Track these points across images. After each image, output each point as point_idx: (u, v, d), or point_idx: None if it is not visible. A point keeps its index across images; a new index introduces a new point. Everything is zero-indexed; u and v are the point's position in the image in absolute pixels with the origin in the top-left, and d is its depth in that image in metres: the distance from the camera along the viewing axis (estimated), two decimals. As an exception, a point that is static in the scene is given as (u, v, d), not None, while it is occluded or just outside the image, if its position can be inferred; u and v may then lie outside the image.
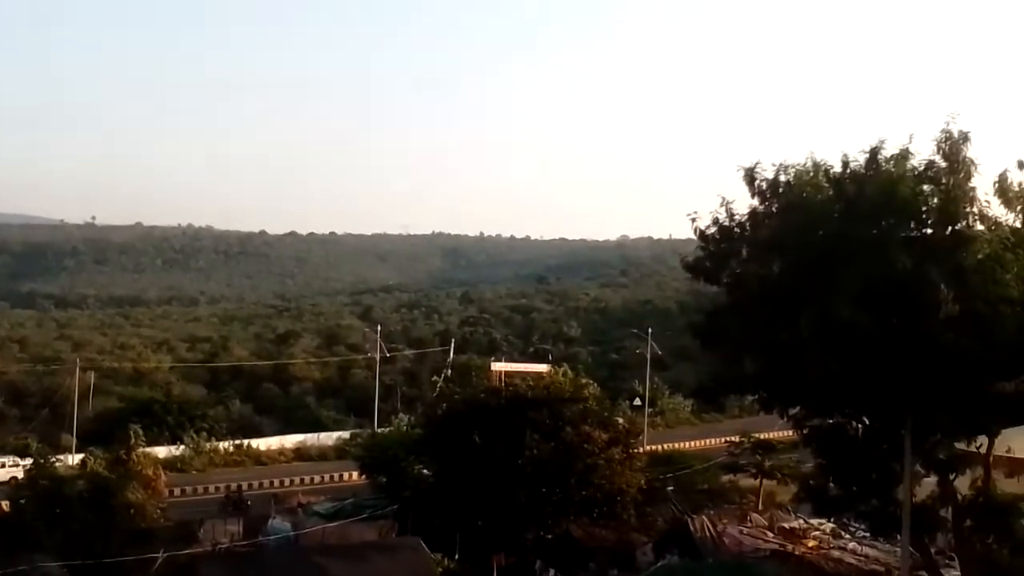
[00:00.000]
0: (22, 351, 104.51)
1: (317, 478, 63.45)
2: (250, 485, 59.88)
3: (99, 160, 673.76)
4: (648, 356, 78.97)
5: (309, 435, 77.23)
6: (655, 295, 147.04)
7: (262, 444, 74.34)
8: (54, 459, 41.89)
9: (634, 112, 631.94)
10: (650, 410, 79.32)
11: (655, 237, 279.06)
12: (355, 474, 55.09)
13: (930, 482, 28.51)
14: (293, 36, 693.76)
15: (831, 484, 29.45)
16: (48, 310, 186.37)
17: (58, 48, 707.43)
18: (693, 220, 27.06)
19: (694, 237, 27.60)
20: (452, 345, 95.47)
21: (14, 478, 50.67)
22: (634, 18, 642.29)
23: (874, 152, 24.37)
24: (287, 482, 61.95)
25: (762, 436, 50.64)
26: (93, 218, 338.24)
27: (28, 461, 48.09)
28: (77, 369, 72.19)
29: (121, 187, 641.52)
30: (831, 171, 25.05)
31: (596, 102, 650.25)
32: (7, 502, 38.63)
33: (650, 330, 79.48)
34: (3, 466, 59.09)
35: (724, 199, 26.51)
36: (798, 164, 25.37)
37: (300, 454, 73.74)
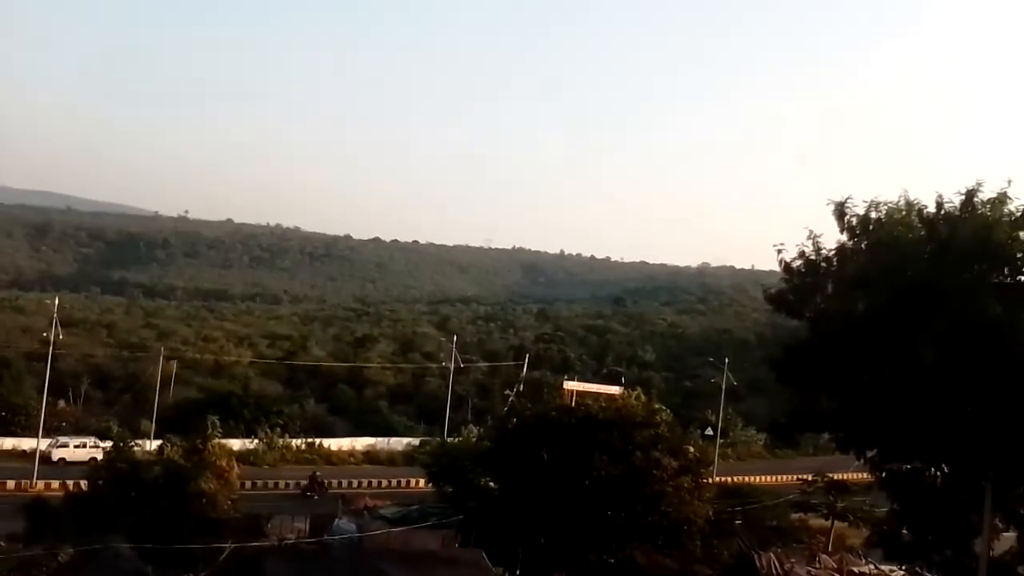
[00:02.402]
0: (110, 336, 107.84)
1: (385, 482, 64.13)
2: (297, 484, 61.03)
3: (194, 156, 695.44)
4: (723, 386, 77.92)
5: (380, 439, 78.09)
6: (734, 324, 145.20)
7: (333, 444, 75.43)
8: (133, 444, 43.13)
9: (722, 143, 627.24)
10: (722, 441, 78.26)
11: (737, 266, 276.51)
12: (422, 481, 55.58)
13: (1009, 537, 27.58)
14: (396, 57, 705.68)
15: (905, 531, 28.62)
16: (137, 298, 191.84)
17: (161, 48, 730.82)
18: (779, 252, 26.72)
19: (778, 269, 27.24)
20: (526, 360, 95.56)
21: (94, 459, 52.51)
22: (729, 47, 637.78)
23: (970, 194, 23.81)
24: (355, 483, 62.71)
25: (836, 476, 49.57)
26: (186, 212, 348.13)
27: (108, 444, 49.68)
28: (161, 358, 74.07)
29: (214, 183, 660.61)
30: (924, 211, 24.53)
31: (683, 130, 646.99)
32: (85, 482, 39.81)
33: (727, 360, 78.40)
34: (84, 446, 61.22)
35: (811, 232, 26.16)
36: (890, 202, 24.94)
37: (370, 457, 74.59)
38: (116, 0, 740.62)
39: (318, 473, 61.07)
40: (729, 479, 62.48)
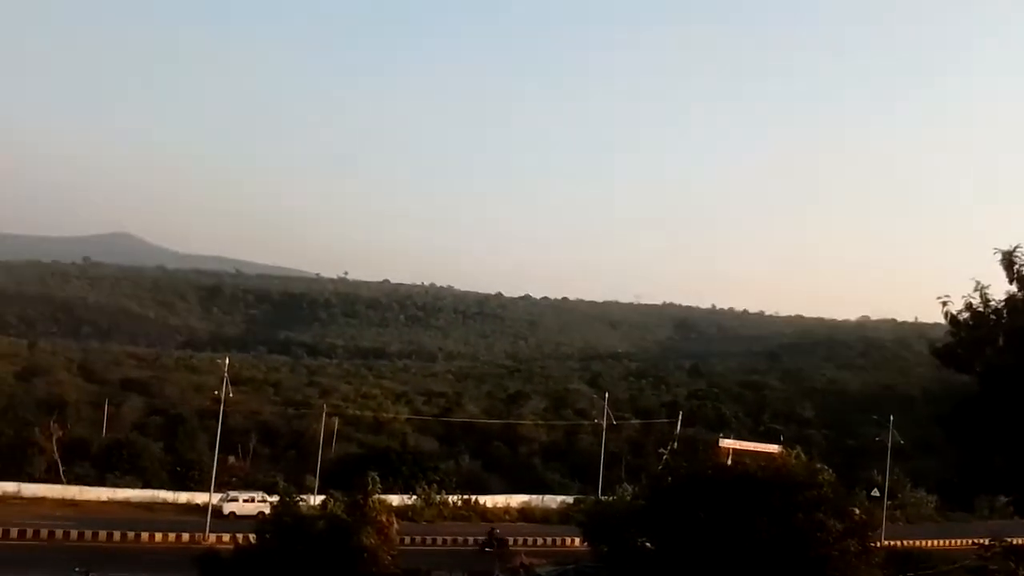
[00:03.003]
0: (276, 394, 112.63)
1: (540, 540, 64.02)
2: (476, 540, 61.48)
3: (353, 221, 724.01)
4: (889, 444, 74.59)
5: (534, 496, 78.21)
6: (897, 380, 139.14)
7: (488, 501, 75.96)
8: (298, 498, 44.71)
9: (880, 194, 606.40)
10: (889, 502, 74.71)
11: (899, 319, 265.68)
12: (577, 540, 55.26)
13: None
14: (537, 119, 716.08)
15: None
16: (301, 357, 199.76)
17: (318, 126, 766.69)
18: (944, 304, 25.74)
19: (943, 322, 26.24)
20: (679, 417, 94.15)
21: (261, 513, 54.63)
22: (882, 93, 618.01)
23: None
24: (511, 541, 62.89)
25: (1016, 541, 46.51)
26: (345, 273, 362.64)
27: (275, 498, 51.66)
28: (324, 415, 76.64)
29: (372, 246, 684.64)
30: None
31: (840, 181, 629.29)
32: (254, 535, 41.47)
33: (891, 417, 75.12)
34: (252, 500, 63.73)
35: (979, 283, 25.15)
36: (1062, 250, 23.76)
37: (524, 514, 74.71)
38: (271, 83, 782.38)
39: (497, 529, 61.24)
40: (899, 543, 59.56)
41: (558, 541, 63.16)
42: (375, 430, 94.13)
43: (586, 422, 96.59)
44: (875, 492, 72.99)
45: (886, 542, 53.70)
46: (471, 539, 60.69)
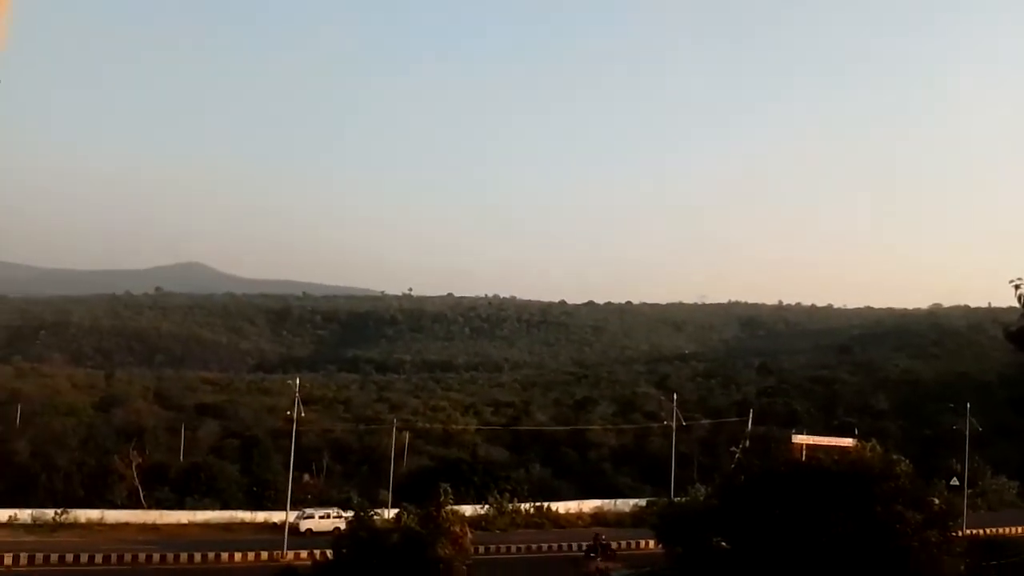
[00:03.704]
0: (346, 412, 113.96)
1: (614, 544, 63.67)
2: (550, 547, 61.39)
3: (415, 237, 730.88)
4: (967, 432, 72.85)
5: (606, 500, 77.93)
6: (972, 367, 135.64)
7: (560, 507, 75.84)
8: (373, 513, 45.19)
9: (953, 177, 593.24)
10: (970, 491, 72.88)
11: (972, 305, 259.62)
12: (651, 542, 54.93)
13: None
14: (583, 122, 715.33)
15: None
16: (369, 374, 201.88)
17: (373, 150, 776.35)
18: (1016, 287, 25.16)
19: (1017, 305, 25.64)
20: (750, 416, 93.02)
21: (337, 528, 55.41)
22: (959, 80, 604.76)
23: None
24: (585, 547, 62.66)
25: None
26: (410, 290, 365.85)
27: (350, 513, 52.29)
28: (394, 429, 77.33)
29: (435, 261, 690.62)
30: None
31: (911, 166, 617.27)
32: (331, 551, 42.03)
33: (968, 405, 73.36)
34: (328, 517, 64.55)
35: (1051, 264, 24.53)
36: None
37: (597, 519, 74.43)
38: (330, 110, 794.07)
39: (603, 536, 60.74)
40: (981, 531, 58.15)
41: (632, 544, 62.83)
42: (445, 442, 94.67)
43: (655, 424, 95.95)
44: (954, 481, 71.34)
45: (968, 531, 52.49)
46: (575, 545, 60.44)
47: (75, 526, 63.39)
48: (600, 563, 51.64)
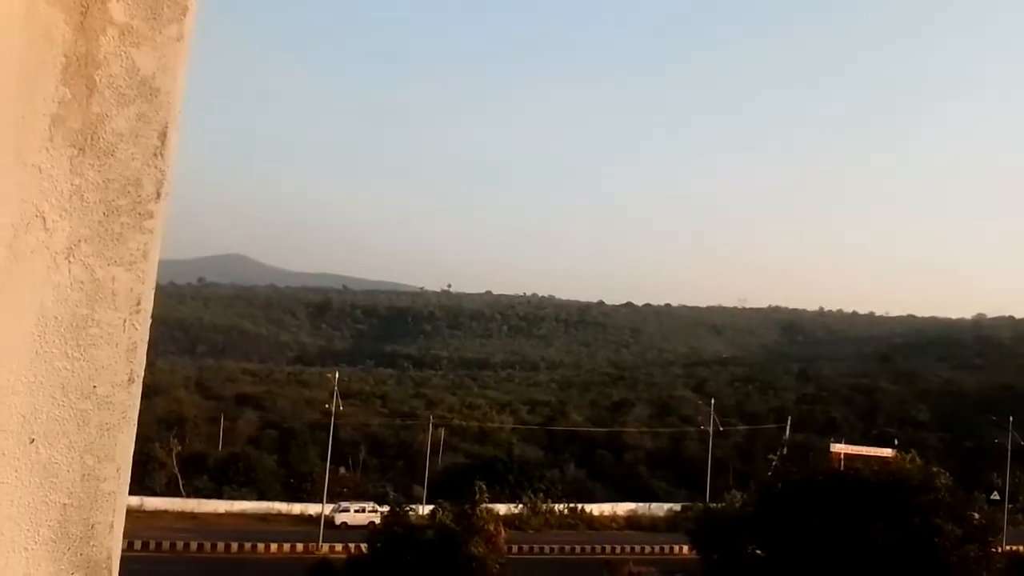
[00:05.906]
0: (383, 406, 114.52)
1: (648, 548, 63.48)
2: (583, 549, 61.31)
3: (456, 234, 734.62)
4: (1009, 446, 71.71)
5: (641, 504, 77.69)
6: (1016, 379, 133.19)
7: (595, 509, 75.76)
8: (408, 508, 45.50)
9: (993, 189, 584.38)
10: (1011, 506, 71.75)
11: (1017, 316, 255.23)
12: (686, 548, 54.66)
13: None
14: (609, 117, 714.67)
15: None
16: (407, 370, 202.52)
17: (421, 139, 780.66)
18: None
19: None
20: (788, 423, 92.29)
21: (372, 523, 55.75)
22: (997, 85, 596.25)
23: None
24: (618, 549, 62.54)
25: None
26: (449, 286, 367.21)
27: (385, 508, 52.65)
28: (430, 425, 77.64)
29: (474, 258, 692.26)
30: None
31: (951, 173, 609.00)
32: (365, 545, 42.35)
33: (1011, 418, 72.20)
34: (363, 511, 64.97)
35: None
36: None
37: (631, 522, 74.28)
38: (372, 105, 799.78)
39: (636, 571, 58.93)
40: (1022, 547, 57.10)
41: (666, 549, 62.56)
42: (481, 440, 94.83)
43: (692, 428, 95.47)
44: (995, 496, 70.41)
45: (1008, 547, 51.67)
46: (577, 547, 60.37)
47: (115, 512, 64.35)
48: (633, 568, 51.48)
